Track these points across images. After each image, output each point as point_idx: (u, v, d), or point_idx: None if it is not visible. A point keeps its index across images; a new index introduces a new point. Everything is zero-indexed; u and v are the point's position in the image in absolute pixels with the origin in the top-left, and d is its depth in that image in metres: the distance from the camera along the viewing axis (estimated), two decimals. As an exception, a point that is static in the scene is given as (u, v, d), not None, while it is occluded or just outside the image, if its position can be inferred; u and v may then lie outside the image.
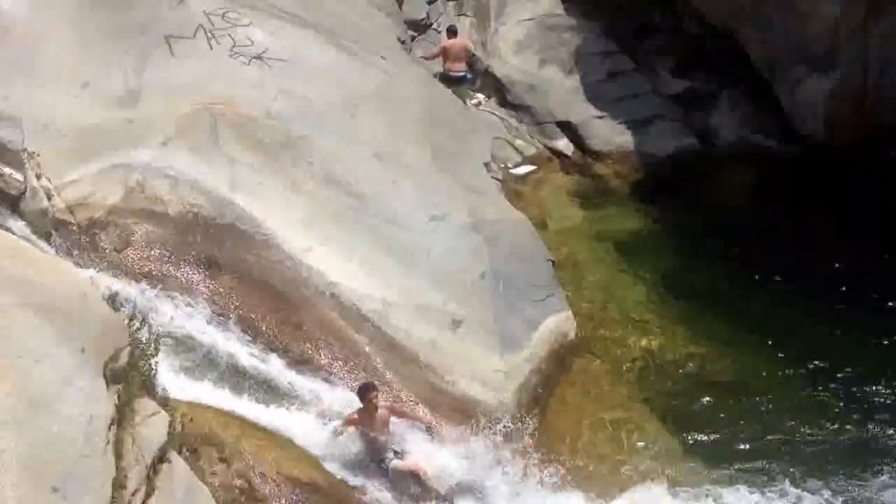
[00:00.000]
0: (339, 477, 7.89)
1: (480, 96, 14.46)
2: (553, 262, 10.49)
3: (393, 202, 10.20)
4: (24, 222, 8.86)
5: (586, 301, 10.52)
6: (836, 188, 12.39)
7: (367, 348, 8.83)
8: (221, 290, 8.90)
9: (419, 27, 15.16)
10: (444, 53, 14.05)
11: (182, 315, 8.62)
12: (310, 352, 8.66)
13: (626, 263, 11.19)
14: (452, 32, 14.36)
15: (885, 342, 9.68)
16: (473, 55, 14.67)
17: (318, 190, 10.01)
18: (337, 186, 10.13)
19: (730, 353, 9.68)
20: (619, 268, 11.13)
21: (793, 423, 8.66)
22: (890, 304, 10.22)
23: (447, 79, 13.88)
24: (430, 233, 10.04)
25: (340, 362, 8.70)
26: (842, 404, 8.85)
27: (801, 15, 13.33)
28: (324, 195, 9.99)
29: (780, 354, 9.59)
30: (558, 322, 9.77)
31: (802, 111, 13.38)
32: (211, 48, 11.20)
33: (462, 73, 14.04)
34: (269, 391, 8.30)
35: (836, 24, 12.91)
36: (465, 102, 13.77)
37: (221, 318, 8.71)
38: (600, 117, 14.02)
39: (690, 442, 8.56)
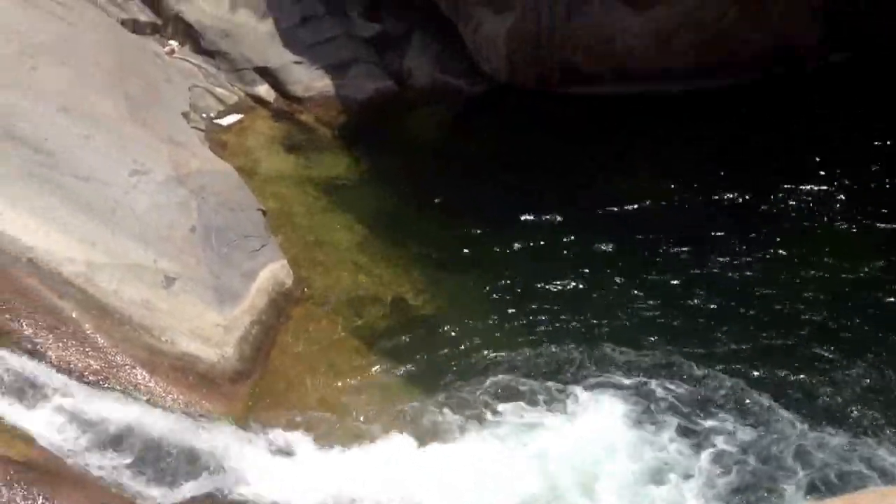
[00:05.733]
0: (54, 453, 7.52)
1: (174, 43, 13.90)
2: (264, 211, 10.45)
3: (88, 158, 9.69)
4: None
5: (300, 248, 10.55)
6: (519, 124, 13.24)
7: (74, 314, 8.36)
8: None
9: (96, -28, 14.29)
10: None
11: None
12: (11, 323, 8.05)
13: (336, 207, 11.31)
14: None
15: (571, 256, 10.50)
16: None
17: (2, 149, 9.28)
18: (22, 144, 9.44)
19: (437, 288, 10.06)
20: (330, 212, 11.23)
21: (493, 347, 9.19)
22: (572, 225, 10.99)
23: None
24: (132, 189, 9.65)
25: (46, 331, 8.17)
26: (536, 324, 9.49)
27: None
28: (8, 154, 9.27)
29: (480, 283, 10.11)
30: (274, 271, 9.77)
31: (485, 52, 14.01)
32: None
33: None
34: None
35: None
36: None
37: None
38: (298, 62, 13.91)
39: (407, 379, 8.87)
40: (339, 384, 8.75)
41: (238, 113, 13.18)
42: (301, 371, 8.91)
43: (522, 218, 11.03)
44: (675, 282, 9.94)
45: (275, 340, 9.24)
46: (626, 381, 8.64)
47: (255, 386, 8.69)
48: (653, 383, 8.60)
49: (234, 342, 8.82)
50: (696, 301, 9.64)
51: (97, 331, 8.41)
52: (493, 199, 11.49)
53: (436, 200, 11.53)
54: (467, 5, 13.97)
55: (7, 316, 8.05)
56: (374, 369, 8.96)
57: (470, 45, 14.11)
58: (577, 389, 8.59)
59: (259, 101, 13.59)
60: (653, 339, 9.13)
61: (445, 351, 9.14)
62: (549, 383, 8.66)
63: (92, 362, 8.21)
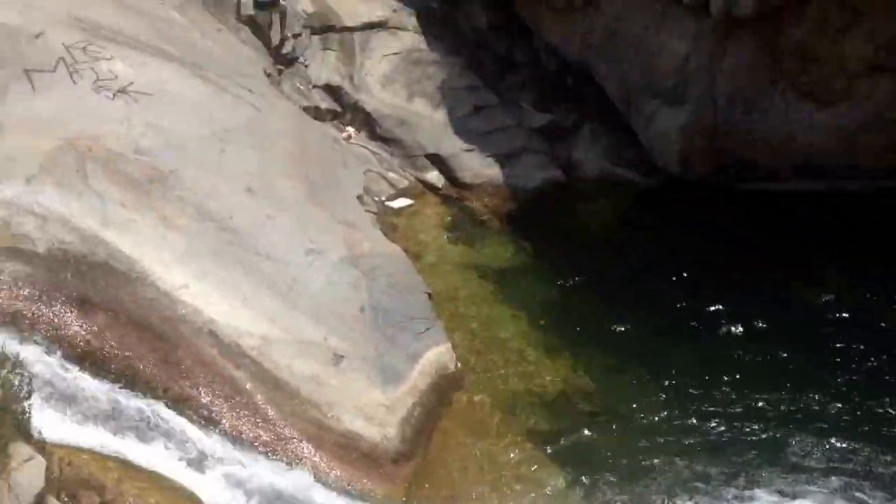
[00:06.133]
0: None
1: (351, 130, 14.51)
2: (430, 294, 10.61)
3: (269, 236, 10.12)
4: None
5: (464, 333, 10.64)
6: (691, 218, 12.99)
7: (248, 385, 8.70)
8: (96, 328, 8.57)
9: (286, 61, 15.13)
10: None
11: (54, 355, 8.26)
12: (190, 390, 8.46)
13: (501, 294, 11.38)
14: None
15: (748, 360, 10.15)
16: None
17: (191, 225, 9.83)
18: (211, 221, 9.97)
19: (601, 382, 9.95)
20: (495, 299, 11.30)
21: (662, 448, 8.97)
22: (749, 328, 10.67)
23: (258, 6, 14.87)
24: (308, 267, 10.00)
25: (221, 400, 8.55)
26: (710, 428, 9.19)
27: (651, 51, 13.96)
28: (198, 230, 9.81)
29: (647, 381, 9.94)
30: (438, 354, 9.86)
31: (658, 144, 13.93)
32: (74, 82, 10.88)
33: None
34: (149, 431, 8.07)
35: (684, 61, 13.54)
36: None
37: (96, 357, 8.41)
38: (469, 150, 14.24)
39: (570, 473, 8.73)
40: (500, 473, 8.72)
41: (408, 197, 13.54)
42: (462, 456, 8.91)
43: (696, 317, 10.86)
44: (868, 393, 9.48)
45: (436, 424, 9.28)
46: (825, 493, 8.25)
47: (415, 468, 8.73)
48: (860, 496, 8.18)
49: (397, 423, 8.92)
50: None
51: (269, 403, 8.70)
52: (664, 295, 11.34)
53: (603, 293, 11.44)
54: (640, 98, 14.00)
55: (188, 383, 8.46)
56: (534, 460, 8.89)
57: (642, 138, 14.08)
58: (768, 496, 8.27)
59: (429, 186, 13.94)
60: (848, 449, 8.73)
61: (611, 446, 9.01)
62: (731, 487, 8.37)
63: (262, 433, 8.48)
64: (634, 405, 9.51)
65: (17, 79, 10.65)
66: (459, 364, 10.01)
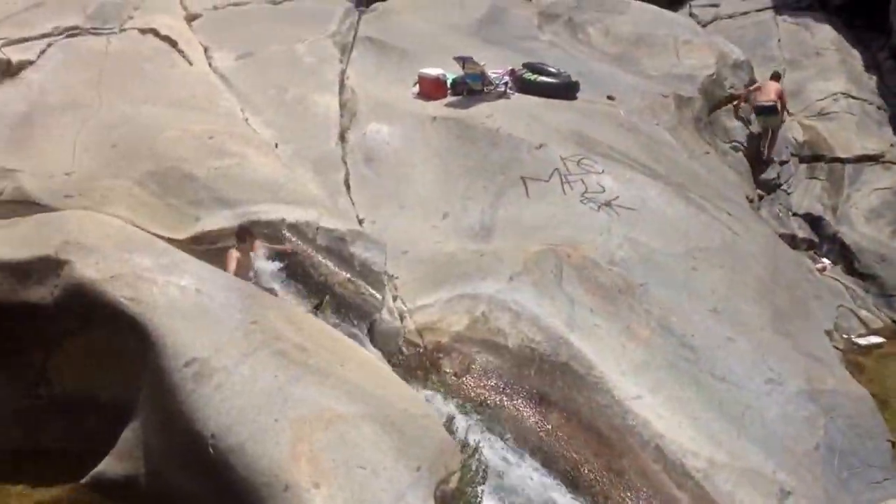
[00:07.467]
0: None
1: (826, 261, 14.05)
2: (893, 443, 9.80)
3: (727, 359, 10.05)
4: (377, 340, 9.62)
5: (924, 489, 9.63)
6: None
7: (687, 507, 8.65)
8: (549, 426, 9.08)
9: (769, 187, 15.09)
10: (759, 89, 15.69)
11: (508, 447, 8.83)
12: (629, 503, 8.60)
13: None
14: (776, 77, 16.16)
15: None
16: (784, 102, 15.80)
17: (652, 338, 10.07)
18: (671, 337, 10.15)
19: None
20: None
21: None
22: None
23: (757, 110, 15.44)
24: (763, 395, 9.74)
25: (659, 517, 8.58)
26: None
27: None
28: (657, 344, 10.03)
29: None
30: (899, 507, 9.06)
31: None
32: (564, 192, 11.75)
33: (772, 104, 15.30)
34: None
35: None
36: (772, 133, 15.46)
37: (545, 454, 8.88)
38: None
39: None
40: None
41: (880, 338, 12.70)
42: None
43: None
44: None
45: None
46: None
47: None
48: None
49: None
50: None
51: (706, 529, 8.56)
52: None
53: None
54: None
55: (629, 495, 8.61)
56: None
57: None
58: None
59: (905, 328, 13.03)
60: None
61: None
62: None
63: (696, 558, 8.37)
64: None
65: (514, 185, 11.84)
66: (915, 523, 9.09)
